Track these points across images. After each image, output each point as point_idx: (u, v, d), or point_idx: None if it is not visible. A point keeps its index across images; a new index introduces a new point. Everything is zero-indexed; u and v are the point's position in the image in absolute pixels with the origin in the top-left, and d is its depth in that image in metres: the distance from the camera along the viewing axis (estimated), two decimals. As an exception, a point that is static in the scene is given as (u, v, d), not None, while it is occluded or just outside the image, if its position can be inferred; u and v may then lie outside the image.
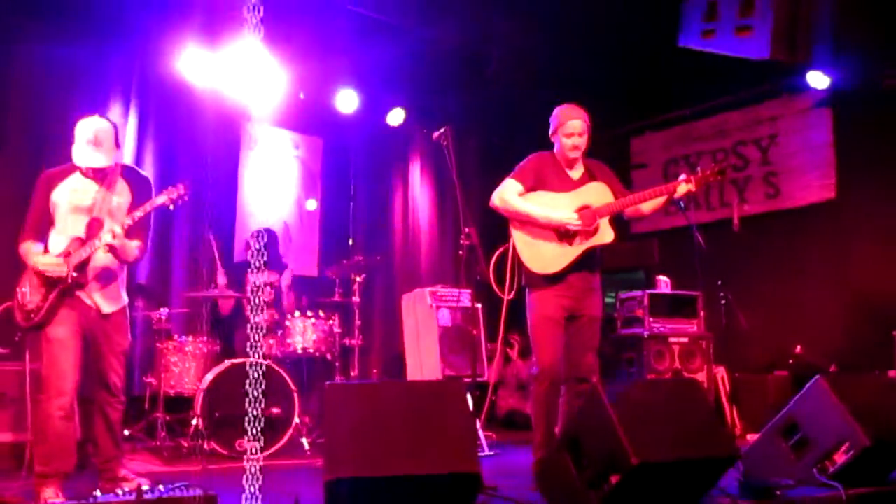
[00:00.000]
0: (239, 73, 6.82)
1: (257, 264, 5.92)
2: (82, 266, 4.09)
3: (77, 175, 4.22)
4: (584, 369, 4.41)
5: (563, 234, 4.39)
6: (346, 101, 8.18)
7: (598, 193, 4.47)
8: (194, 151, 7.55)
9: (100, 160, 4.16)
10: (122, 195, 4.27)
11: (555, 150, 4.58)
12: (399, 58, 7.60)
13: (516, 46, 7.79)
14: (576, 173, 4.57)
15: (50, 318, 4.05)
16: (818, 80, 7.55)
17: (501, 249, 5.25)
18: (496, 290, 5.41)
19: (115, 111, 7.10)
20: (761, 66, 7.36)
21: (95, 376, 4.25)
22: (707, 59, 7.14)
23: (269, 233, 6.92)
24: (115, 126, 4.32)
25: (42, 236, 4.21)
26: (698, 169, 4.54)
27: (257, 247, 6.43)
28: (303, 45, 7.25)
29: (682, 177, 4.45)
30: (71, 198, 4.18)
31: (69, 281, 4.05)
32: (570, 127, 4.47)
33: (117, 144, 4.29)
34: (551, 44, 7.66)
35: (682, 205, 4.50)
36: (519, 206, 4.41)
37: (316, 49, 7.41)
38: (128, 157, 7.07)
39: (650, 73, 8.06)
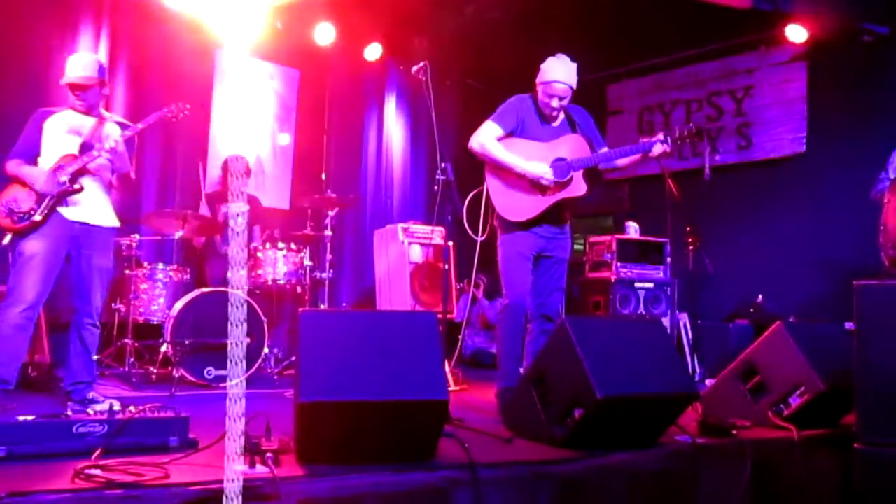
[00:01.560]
0: (215, 0, 6.68)
1: (236, 188, 5.88)
2: (75, 177, 4.29)
3: (70, 111, 4.47)
4: (550, 308, 4.54)
5: (537, 185, 4.43)
6: (324, 33, 8.09)
7: (574, 146, 4.51)
8: (167, 80, 7.42)
9: (84, 80, 4.40)
10: (114, 131, 4.48)
11: (538, 96, 4.57)
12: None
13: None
14: (555, 121, 4.59)
15: (45, 219, 4.20)
16: (796, 33, 7.56)
17: (475, 192, 5.28)
18: (469, 231, 5.45)
19: (85, 36, 6.94)
20: (740, 18, 7.38)
21: (77, 297, 4.35)
22: (686, 9, 7.13)
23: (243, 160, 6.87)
24: (100, 61, 4.60)
25: (30, 162, 4.34)
26: (675, 129, 4.58)
27: (235, 171, 6.39)
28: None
29: (660, 136, 4.49)
30: (67, 122, 4.43)
31: (65, 187, 4.24)
32: (554, 88, 4.46)
33: (101, 76, 4.52)
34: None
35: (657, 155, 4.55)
36: (497, 153, 4.43)
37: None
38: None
39: (629, 19, 8.02)
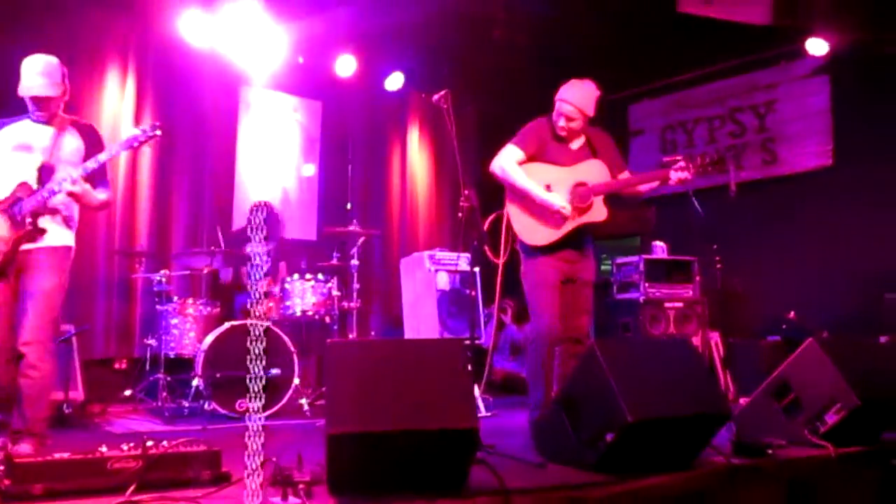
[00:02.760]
0: (238, 36, 6.80)
1: (257, 237, 5.87)
2: (34, 217, 3.82)
3: (27, 122, 4.00)
4: (578, 331, 4.52)
5: (557, 212, 4.43)
6: (345, 65, 8.18)
7: (595, 172, 4.50)
8: (193, 116, 7.56)
9: (46, 90, 3.91)
10: (74, 141, 4.02)
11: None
12: (398, 21, 7.56)
13: (520, 11, 7.74)
14: (576, 143, 4.59)
15: (9, 262, 3.79)
16: (817, 46, 7.53)
17: (494, 215, 5.29)
18: (489, 255, 5.46)
19: (113, 75, 7.09)
20: (759, 33, 7.36)
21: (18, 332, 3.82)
22: (705, 26, 7.12)
23: (268, 206, 6.93)
24: (62, 65, 4.02)
25: None
26: (697, 157, 4.55)
27: (257, 221, 6.44)
28: (302, 6, 7.21)
29: (680, 164, 4.45)
30: (16, 137, 3.95)
31: (28, 228, 3.79)
32: (562, 107, 4.48)
33: (64, 82, 4.01)
34: (553, 9, 7.60)
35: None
36: (517, 179, 4.43)
37: (315, 11, 7.36)
38: (126, 122, 7.08)
39: (648, 39, 8.02)
